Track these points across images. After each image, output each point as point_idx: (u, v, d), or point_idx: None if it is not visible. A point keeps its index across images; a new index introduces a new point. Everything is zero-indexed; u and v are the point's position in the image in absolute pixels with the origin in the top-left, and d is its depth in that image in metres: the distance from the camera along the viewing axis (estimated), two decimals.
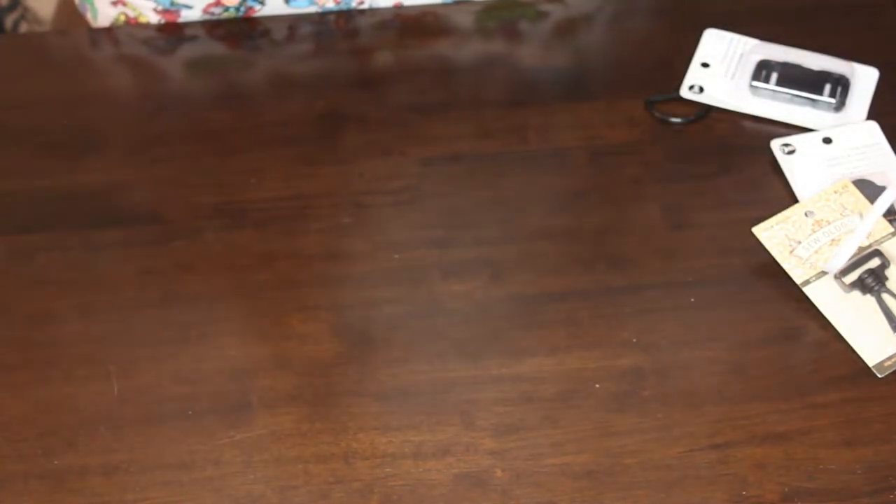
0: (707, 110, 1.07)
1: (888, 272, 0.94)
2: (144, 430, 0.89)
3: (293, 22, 1.14)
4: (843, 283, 0.94)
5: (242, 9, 1.13)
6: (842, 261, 0.94)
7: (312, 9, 1.14)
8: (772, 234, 0.96)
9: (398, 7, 1.14)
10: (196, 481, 0.86)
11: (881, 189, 0.99)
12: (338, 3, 1.14)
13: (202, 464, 0.87)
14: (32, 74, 1.11)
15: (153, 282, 0.96)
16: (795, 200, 1.00)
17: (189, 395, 0.91)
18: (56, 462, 0.87)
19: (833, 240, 0.95)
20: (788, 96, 1.06)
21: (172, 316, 0.94)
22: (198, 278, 0.97)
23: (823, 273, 0.94)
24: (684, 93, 1.07)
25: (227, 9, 1.13)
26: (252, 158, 1.04)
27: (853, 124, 1.04)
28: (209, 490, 0.86)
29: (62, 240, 0.99)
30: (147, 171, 1.02)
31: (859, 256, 0.94)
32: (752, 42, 1.10)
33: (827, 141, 1.03)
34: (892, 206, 0.97)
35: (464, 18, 1.14)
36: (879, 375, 0.91)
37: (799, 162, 1.02)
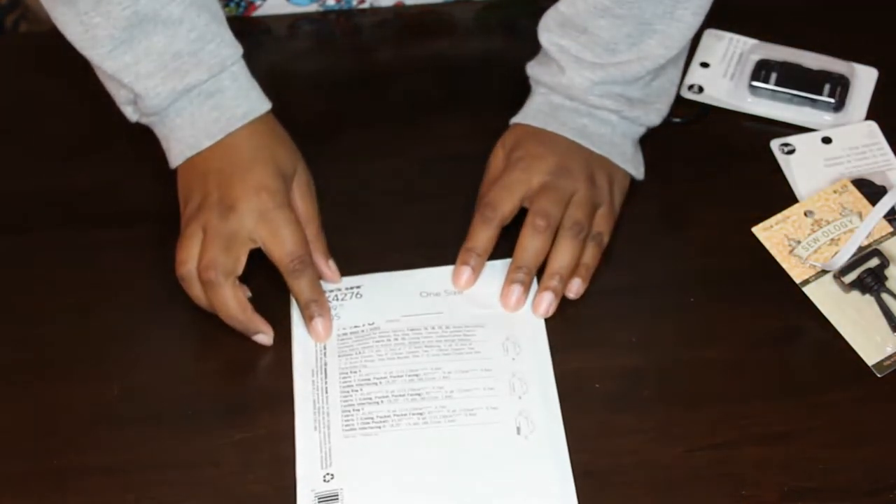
0: (707, 110, 1.07)
1: (888, 272, 0.94)
2: (144, 430, 0.89)
3: (294, 20, 1.14)
4: (842, 282, 0.94)
5: (243, 4, 1.13)
6: (842, 260, 0.94)
7: (313, 7, 1.14)
8: (771, 233, 0.96)
9: (399, 6, 1.14)
10: (196, 481, 0.86)
11: (880, 189, 0.99)
12: (339, 2, 1.13)
13: (202, 464, 0.87)
14: (32, 74, 1.11)
15: (153, 282, 0.96)
16: (795, 200, 1.00)
17: (189, 395, 0.90)
18: (56, 462, 0.87)
19: (832, 239, 0.95)
20: (788, 96, 1.06)
21: (172, 316, 0.94)
22: None
23: (823, 273, 0.94)
24: (684, 93, 1.07)
25: (227, 4, 1.12)
26: None
27: (852, 124, 1.04)
28: (209, 490, 0.86)
29: (62, 240, 0.99)
30: (147, 170, 1.01)
31: (859, 256, 0.94)
32: (751, 42, 1.10)
33: (826, 141, 1.03)
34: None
35: (464, 17, 1.14)
36: (879, 375, 0.91)
37: (798, 162, 1.02)
